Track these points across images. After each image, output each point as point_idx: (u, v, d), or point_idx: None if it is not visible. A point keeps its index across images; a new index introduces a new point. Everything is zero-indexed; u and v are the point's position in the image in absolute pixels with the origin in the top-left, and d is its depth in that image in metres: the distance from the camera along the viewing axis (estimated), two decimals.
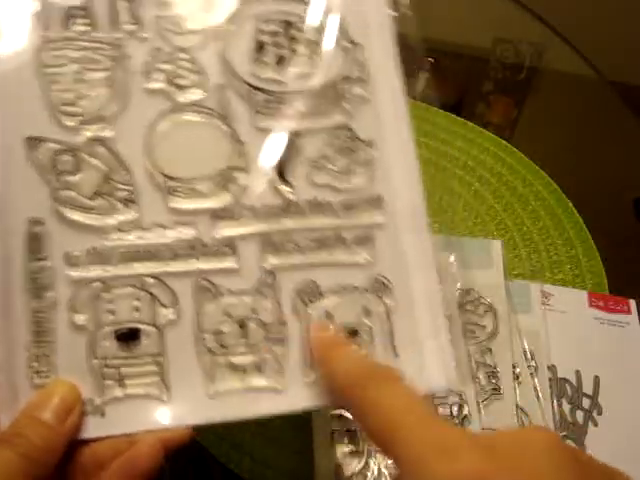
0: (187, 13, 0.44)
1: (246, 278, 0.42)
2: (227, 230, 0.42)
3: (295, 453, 0.61)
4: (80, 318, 0.40)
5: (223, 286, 0.42)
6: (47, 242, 0.40)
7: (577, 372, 0.66)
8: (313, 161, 0.44)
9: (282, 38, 0.45)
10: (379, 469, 0.56)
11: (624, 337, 0.70)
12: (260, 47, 0.45)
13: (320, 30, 0.46)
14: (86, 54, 0.42)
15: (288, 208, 0.43)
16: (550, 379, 0.65)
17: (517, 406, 0.62)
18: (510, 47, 0.95)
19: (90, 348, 0.40)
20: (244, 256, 0.42)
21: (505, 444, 0.33)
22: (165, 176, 0.42)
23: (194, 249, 0.42)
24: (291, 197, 0.43)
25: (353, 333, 0.43)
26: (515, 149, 0.87)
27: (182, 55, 0.44)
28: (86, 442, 0.39)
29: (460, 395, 0.62)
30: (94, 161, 0.41)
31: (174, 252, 0.41)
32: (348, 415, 0.58)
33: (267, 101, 0.44)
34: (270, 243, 0.42)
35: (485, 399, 0.62)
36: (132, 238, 0.41)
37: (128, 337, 0.40)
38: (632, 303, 0.71)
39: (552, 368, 0.66)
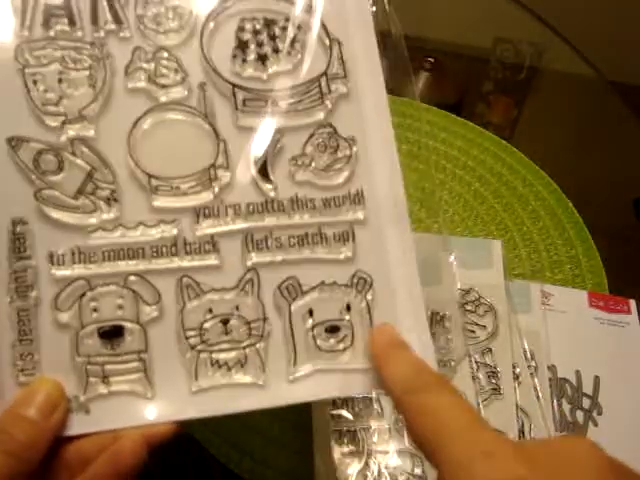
0: (168, 12, 0.44)
1: (228, 275, 0.42)
2: (209, 228, 0.42)
3: (295, 453, 0.61)
4: (64, 316, 0.40)
5: (206, 283, 0.42)
6: (30, 241, 0.41)
7: (577, 372, 0.66)
8: (294, 158, 0.44)
9: (263, 36, 0.45)
10: (379, 469, 0.56)
11: (624, 337, 0.69)
12: (242, 45, 0.45)
13: (301, 28, 0.46)
14: (68, 54, 0.43)
15: (270, 205, 0.43)
16: (550, 379, 0.65)
17: (517, 406, 0.62)
18: (510, 47, 0.95)
19: (74, 346, 0.40)
20: (226, 253, 0.42)
21: (547, 453, 0.33)
22: (147, 175, 0.42)
23: (177, 247, 0.42)
24: (273, 194, 0.43)
25: (334, 329, 0.43)
26: (515, 149, 0.87)
27: (163, 54, 0.44)
28: (71, 439, 0.39)
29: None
30: (77, 160, 0.42)
31: (157, 250, 0.42)
32: (348, 415, 0.58)
33: (249, 99, 0.44)
34: (252, 240, 0.43)
35: (485, 399, 0.62)
36: (115, 236, 0.41)
37: (112, 335, 0.41)
38: (632, 303, 0.71)
39: (552, 368, 0.66)
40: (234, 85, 0.44)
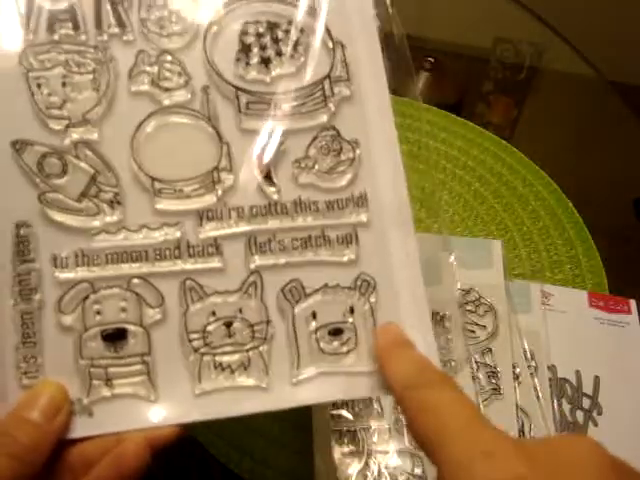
0: (172, 15, 0.44)
1: (232, 278, 0.42)
2: (213, 231, 0.42)
3: (295, 453, 0.61)
4: (67, 319, 0.40)
5: (209, 286, 0.42)
6: (34, 244, 0.41)
7: (577, 372, 0.66)
8: (298, 161, 0.44)
9: (267, 39, 0.45)
10: (379, 469, 0.56)
11: (624, 337, 0.69)
12: (245, 48, 0.45)
13: (304, 31, 0.46)
14: (72, 57, 0.43)
15: (273, 208, 0.43)
16: (550, 379, 0.65)
17: (517, 406, 0.62)
18: (510, 47, 0.95)
19: (77, 349, 0.40)
20: (229, 256, 0.42)
21: (548, 452, 0.33)
22: (151, 177, 0.42)
23: (180, 250, 0.42)
24: (276, 197, 0.43)
25: (338, 332, 0.43)
26: (515, 149, 0.87)
27: (167, 57, 0.44)
28: (74, 442, 0.39)
29: None
30: (80, 164, 0.42)
31: (160, 253, 0.42)
32: (348, 415, 0.58)
33: (252, 102, 0.44)
34: (255, 243, 0.43)
35: (485, 399, 0.62)
36: (118, 239, 0.41)
37: (115, 337, 0.41)
38: (632, 303, 0.71)
39: (552, 368, 0.66)
40: (237, 88, 0.44)
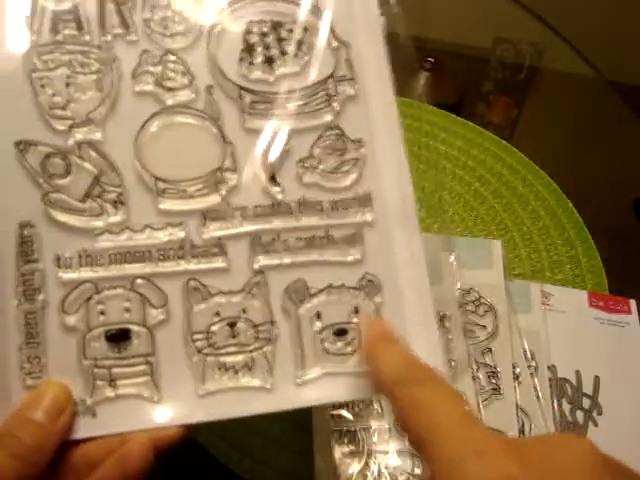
0: (175, 15, 0.44)
1: (236, 278, 0.42)
2: (216, 231, 0.42)
3: (295, 453, 0.61)
4: (71, 319, 0.40)
5: (213, 286, 0.42)
6: (38, 244, 0.41)
7: (577, 372, 0.66)
8: (302, 161, 0.44)
9: (271, 39, 0.45)
10: (379, 469, 0.56)
11: (624, 337, 0.69)
12: (249, 48, 0.45)
13: (308, 30, 0.46)
14: (75, 57, 0.43)
15: (277, 208, 0.43)
16: (550, 379, 0.65)
17: (517, 406, 0.62)
18: (510, 47, 0.95)
19: (81, 349, 0.40)
20: (233, 256, 0.42)
21: (540, 451, 0.33)
22: (154, 177, 0.42)
23: (184, 250, 0.42)
24: (280, 197, 0.43)
25: (342, 332, 0.43)
26: (515, 149, 0.87)
27: (171, 57, 0.44)
28: (77, 442, 0.39)
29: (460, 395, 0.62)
30: (84, 164, 0.42)
31: (164, 253, 0.42)
32: (348, 415, 0.58)
33: (256, 102, 0.44)
34: (259, 243, 0.43)
35: (485, 399, 0.62)
36: (122, 239, 0.41)
37: (119, 338, 0.41)
38: (632, 303, 0.71)
39: (552, 368, 0.66)
40: (241, 88, 0.44)
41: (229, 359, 0.41)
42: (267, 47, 0.45)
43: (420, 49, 0.95)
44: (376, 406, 0.58)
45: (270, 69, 0.45)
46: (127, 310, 0.41)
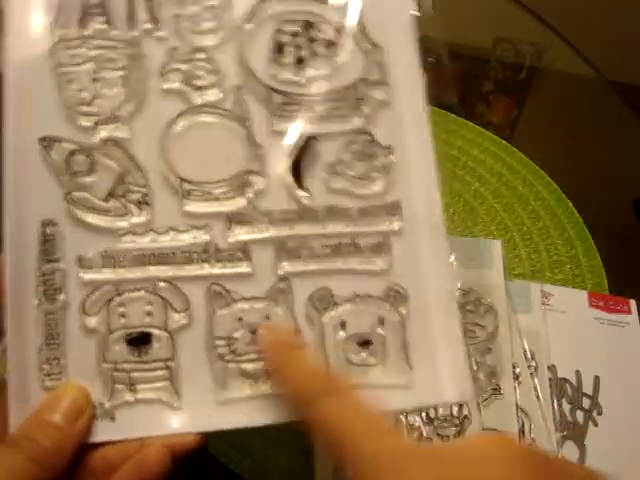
0: (205, 12, 0.43)
1: (259, 284, 0.41)
2: (242, 235, 0.42)
3: (295, 453, 0.61)
4: (91, 321, 0.40)
5: (236, 292, 0.41)
6: (60, 244, 0.40)
7: (577, 372, 0.66)
8: (330, 166, 0.43)
9: (302, 39, 0.44)
10: None
11: (624, 337, 0.70)
12: (279, 48, 0.44)
13: (340, 31, 0.44)
14: (102, 53, 0.42)
15: (304, 214, 0.42)
16: (550, 379, 0.65)
17: (517, 406, 0.62)
18: (510, 47, 0.94)
19: (101, 351, 0.40)
20: (258, 261, 0.41)
21: (458, 455, 0.33)
22: (180, 178, 0.41)
23: (208, 253, 0.41)
24: (307, 202, 0.42)
25: (367, 343, 0.42)
26: (515, 149, 0.87)
27: (199, 55, 0.43)
28: (96, 446, 0.39)
29: None
30: (109, 162, 0.41)
31: (187, 256, 0.41)
32: None
33: (285, 103, 0.43)
34: (285, 249, 0.42)
35: (485, 399, 0.62)
36: (145, 241, 0.41)
37: (139, 341, 0.40)
38: (632, 303, 0.71)
39: (552, 368, 0.66)
40: (271, 89, 0.43)
41: (250, 366, 0.41)
42: (298, 47, 0.44)
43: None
44: None
45: (301, 70, 0.44)
46: (149, 313, 0.40)
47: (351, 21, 0.45)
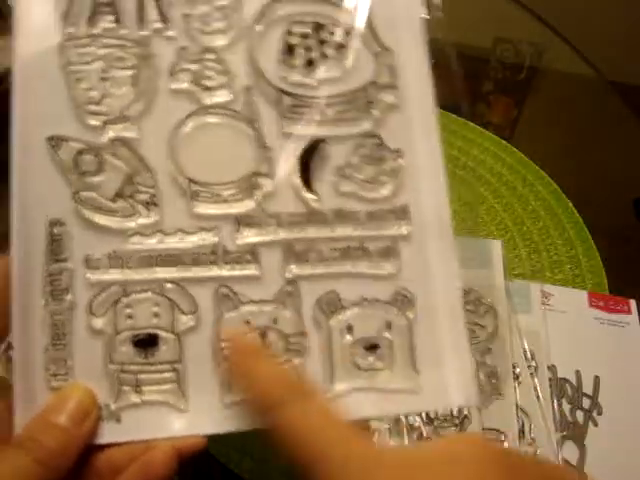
0: (216, 12, 0.43)
1: (267, 287, 0.41)
2: (250, 237, 0.41)
3: None
4: (98, 322, 0.39)
5: (244, 294, 0.41)
6: (68, 244, 0.40)
7: (577, 372, 0.67)
8: (339, 169, 0.42)
9: (312, 41, 0.43)
10: None
11: (624, 337, 0.70)
12: (289, 49, 0.43)
13: (350, 34, 0.44)
14: (112, 52, 0.41)
15: (312, 217, 0.42)
16: (550, 379, 0.66)
17: (517, 406, 0.63)
18: (510, 47, 0.95)
19: (107, 353, 0.39)
20: (266, 264, 0.41)
21: (430, 458, 0.33)
22: (189, 180, 0.41)
23: (216, 255, 0.41)
24: (316, 205, 0.42)
25: (374, 347, 0.42)
26: (515, 149, 0.87)
27: (209, 55, 0.42)
28: (101, 447, 0.38)
29: None
30: (117, 162, 0.40)
31: (195, 258, 0.41)
32: None
33: (295, 105, 0.43)
34: (293, 252, 0.41)
35: (485, 399, 0.62)
36: (153, 242, 0.40)
37: (146, 343, 0.40)
38: (632, 303, 0.72)
39: (552, 368, 0.66)
40: (281, 90, 0.43)
41: None
42: (308, 49, 0.43)
43: None
44: None
45: (310, 72, 0.43)
46: (156, 315, 0.40)
47: (361, 24, 0.44)
